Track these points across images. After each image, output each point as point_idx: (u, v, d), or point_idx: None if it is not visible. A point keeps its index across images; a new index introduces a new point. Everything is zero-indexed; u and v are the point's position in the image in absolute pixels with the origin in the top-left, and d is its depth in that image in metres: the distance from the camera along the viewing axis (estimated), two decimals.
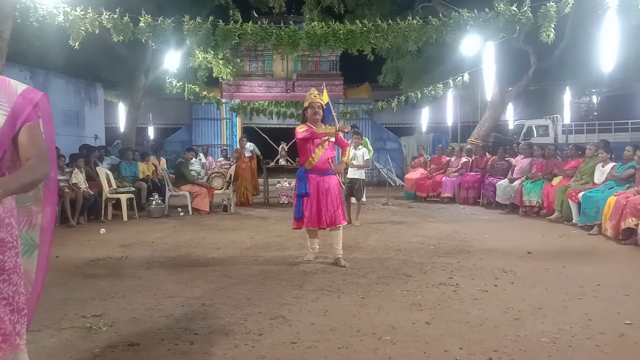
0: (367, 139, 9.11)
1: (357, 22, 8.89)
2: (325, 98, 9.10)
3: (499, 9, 7.88)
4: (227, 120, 18.42)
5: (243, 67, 17.24)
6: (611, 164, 7.45)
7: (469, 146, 12.41)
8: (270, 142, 18.62)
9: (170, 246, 6.22)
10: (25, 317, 1.88)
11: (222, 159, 14.60)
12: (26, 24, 7.09)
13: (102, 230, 7.38)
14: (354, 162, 7.98)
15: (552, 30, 7.47)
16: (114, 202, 8.78)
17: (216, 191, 9.82)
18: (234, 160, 11.85)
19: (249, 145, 11.60)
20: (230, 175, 10.24)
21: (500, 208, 9.61)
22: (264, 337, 3.16)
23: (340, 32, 8.70)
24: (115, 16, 7.59)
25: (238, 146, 11.82)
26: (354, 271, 4.85)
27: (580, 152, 8.51)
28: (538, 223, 8.04)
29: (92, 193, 8.39)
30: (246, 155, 11.30)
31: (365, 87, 18.69)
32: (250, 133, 15.43)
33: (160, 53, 11.08)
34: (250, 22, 8.93)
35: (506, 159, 10.52)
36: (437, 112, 18.84)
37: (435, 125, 20.16)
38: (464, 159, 11.54)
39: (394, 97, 15.46)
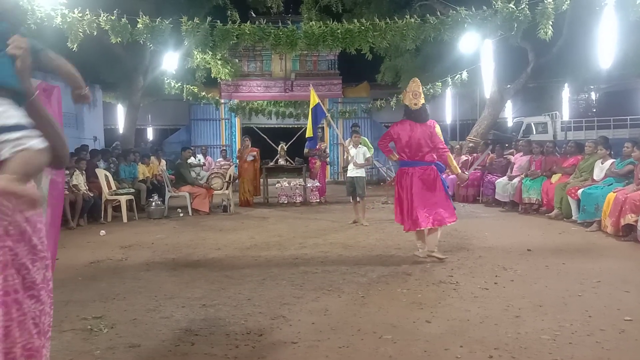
0: (365, 138, 9.13)
1: (355, 21, 8.89)
2: (315, 99, 9.15)
3: (496, 6, 7.87)
4: (226, 121, 18.42)
5: (241, 67, 17.25)
6: (610, 161, 7.45)
7: (471, 144, 12.39)
8: (270, 142, 18.64)
9: (170, 247, 6.22)
10: (49, 340, 1.65)
11: (221, 159, 14.57)
12: (24, 26, 7.08)
13: (102, 232, 7.37)
14: (357, 161, 8.02)
15: (550, 27, 7.46)
16: (114, 203, 8.79)
17: (216, 192, 9.81)
18: (236, 160, 11.70)
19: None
20: (230, 175, 10.23)
21: (499, 205, 9.61)
22: (264, 337, 3.17)
23: (339, 31, 8.71)
24: (113, 18, 7.59)
25: (240, 146, 11.59)
26: (354, 270, 4.85)
27: (579, 149, 8.51)
28: (537, 220, 8.03)
29: (92, 195, 8.39)
30: (248, 159, 11.09)
31: (364, 86, 18.70)
32: (251, 134, 15.31)
33: (159, 54, 11.08)
34: (248, 22, 8.95)
35: (505, 156, 10.52)
36: (436, 110, 18.73)
37: None
38: (464, 157, 11.52)
39: (393, 95, 15.46)
